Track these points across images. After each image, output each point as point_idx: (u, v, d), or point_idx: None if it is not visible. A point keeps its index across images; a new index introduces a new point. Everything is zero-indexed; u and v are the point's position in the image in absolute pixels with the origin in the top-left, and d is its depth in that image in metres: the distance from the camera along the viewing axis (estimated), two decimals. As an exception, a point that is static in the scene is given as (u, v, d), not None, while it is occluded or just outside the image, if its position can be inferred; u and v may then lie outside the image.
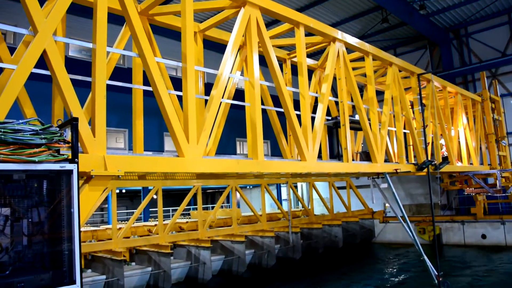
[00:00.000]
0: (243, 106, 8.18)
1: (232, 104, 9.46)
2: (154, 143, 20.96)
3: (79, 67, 18.51)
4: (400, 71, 12.59)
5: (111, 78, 6.11)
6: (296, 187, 22.82)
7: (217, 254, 14.83)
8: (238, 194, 16.54)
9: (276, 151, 24.20)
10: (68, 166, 3.92)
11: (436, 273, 11.64)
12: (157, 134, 21.41)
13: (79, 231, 3.91)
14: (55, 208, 3.91)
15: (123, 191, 25.78)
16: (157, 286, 12.78)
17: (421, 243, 11.93)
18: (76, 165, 3.95)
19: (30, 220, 3.79)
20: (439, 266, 11.74)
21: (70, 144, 4.11)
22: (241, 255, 14.39)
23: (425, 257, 11.80)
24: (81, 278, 3.87)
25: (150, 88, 6.09)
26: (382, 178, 12.39)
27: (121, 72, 18.77)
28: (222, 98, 7.44)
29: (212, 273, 13.76)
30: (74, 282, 3.83)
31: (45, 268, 3.80)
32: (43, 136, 3.87)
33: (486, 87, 18.99)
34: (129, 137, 20.64)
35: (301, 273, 15.51)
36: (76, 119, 4.20)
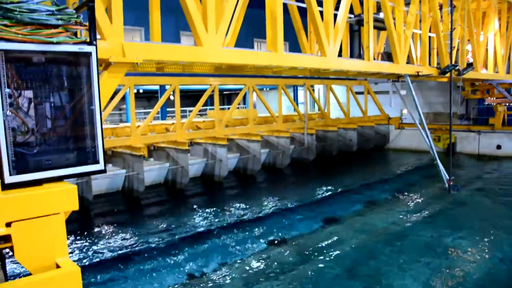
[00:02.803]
0: (263, 5, 7.81)
1: (251, 3, 9.06)
2: (170, 41, 20.58)
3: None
4: (431, -33, 11.76)
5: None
6: (313, 90, 22.63)
7: (233, 152, 15.27)
8: (255, 95, 16.54)
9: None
10: (86, 48, 3.87)
11: (448, 178, 11.91)
12: (173, 32, 20.98)
13: (100, 114, 3.98)
14: (75, 92, 3.94)
15: (141, 91, 25.95)
16: (174, 181, 13.37)
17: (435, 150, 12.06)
18: (94, 47, 3.90)
19: (52, 103, 3.84)
20: (451, 171, 11.97)
21: (87, 27, 4.03)
22: (257, 154, 14.80)
23: (438, 162, 12.01)
24: (105, 158, 4.02)
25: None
26: (403, 82, 12.18)
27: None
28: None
29: (228, 170, 14.28)
30: (97, 162, 3.98)
31: (69, 149, 3.93)
32: (59, 17, 3.78)
33: (526, -11, 17.73)
34: (146, 36, 20.30)
35: (315, 174, 15.97)
36: (93, 0, 4.07)
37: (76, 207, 3.50)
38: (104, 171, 4.04)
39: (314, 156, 16.98)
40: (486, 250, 7.76)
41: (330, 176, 15.06)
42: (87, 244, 8.61)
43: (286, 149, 15.96)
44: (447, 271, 6.83)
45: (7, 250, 3.40)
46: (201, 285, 6.51)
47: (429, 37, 12.62)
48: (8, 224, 3.14)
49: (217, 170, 13.99)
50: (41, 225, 3.28)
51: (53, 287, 3.11)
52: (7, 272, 3.84)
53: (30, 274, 3.26)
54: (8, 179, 3.37)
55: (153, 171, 13.29)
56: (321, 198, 12.01)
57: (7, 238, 3.20)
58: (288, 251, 7.81)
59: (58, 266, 3.28)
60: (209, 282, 6.62)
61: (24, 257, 3.21)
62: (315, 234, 8.80)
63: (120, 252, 8.11)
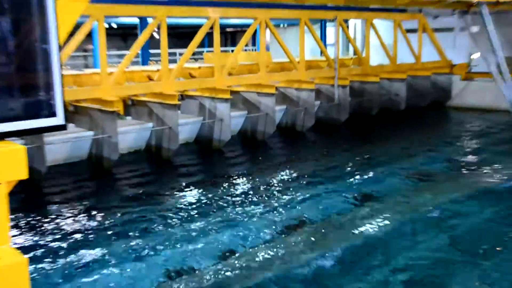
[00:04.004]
0: None
1: None
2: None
3: None
4: None
5: None
6: (347, 27, 22.27)
7: (239, 109, 15.23)
8: (268, 33, 16.32)
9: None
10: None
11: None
12: None
13: (58, 48, 3.85)
14: (22, 18, 3.81)
15: (114, 25, 25.75)
16: (160, 147, 13.32)
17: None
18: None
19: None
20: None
21: None
22: (270, 111, 14.71)
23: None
24: (65, 110, 3.90)
25: None
26: (474, 14, 11.84)
27: None
28: None
29: (232, 133, 14.19)
30: (54, 115, 3.86)
31: (14, 96, 3.82)
32: None
33: None
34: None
35: (346, 141, 15.87)
36: None
37: (24, 175, 3.40)
38: (64, 126, 3.92)
39: (346, 116, 16.87)
40: None
41: (367, 149, 14.80)
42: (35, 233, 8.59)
43: (310, 106, 15.84)
44: None
45: None
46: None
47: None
48: None
49: (216, 132, 13.94)
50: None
51: (-7, 284, 3.07)
52: None
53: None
54: None
55: (130, 134, 13.23)
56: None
57: None
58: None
59: (-3, 257, 3.23)
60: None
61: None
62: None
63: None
